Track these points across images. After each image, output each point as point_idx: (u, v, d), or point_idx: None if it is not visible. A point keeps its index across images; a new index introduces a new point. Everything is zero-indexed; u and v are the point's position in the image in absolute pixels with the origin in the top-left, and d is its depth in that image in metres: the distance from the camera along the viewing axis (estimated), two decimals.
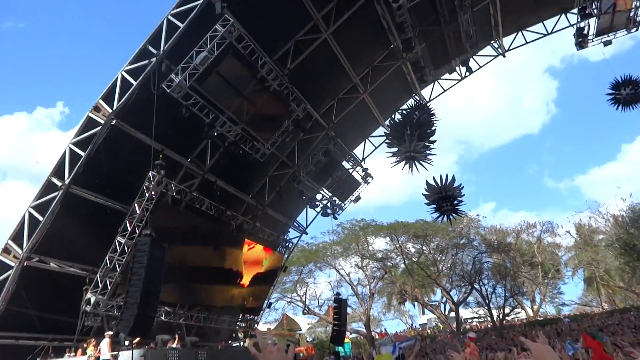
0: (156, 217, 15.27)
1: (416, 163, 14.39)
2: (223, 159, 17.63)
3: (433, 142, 15.17)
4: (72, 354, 13.94)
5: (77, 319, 14.83)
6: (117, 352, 13.02)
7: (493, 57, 22.26)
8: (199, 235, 18.20)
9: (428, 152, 14.68)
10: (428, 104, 20.40)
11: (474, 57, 20.94)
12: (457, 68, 20.70)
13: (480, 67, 22.25)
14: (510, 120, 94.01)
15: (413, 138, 14.39)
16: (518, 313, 39.35)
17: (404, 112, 15.85)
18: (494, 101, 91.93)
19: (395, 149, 14.76)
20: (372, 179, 23.99)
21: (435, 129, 15.45)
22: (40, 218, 14.17)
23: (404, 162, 14.44)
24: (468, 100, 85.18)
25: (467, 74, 21.69)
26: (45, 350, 14.80)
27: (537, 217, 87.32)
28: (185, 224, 17.41)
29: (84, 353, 13.62)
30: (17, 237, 14.37)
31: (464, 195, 14.33)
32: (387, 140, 16.90)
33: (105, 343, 13.34)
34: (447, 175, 14.27)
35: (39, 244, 14.38)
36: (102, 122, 14.07)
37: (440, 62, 19.24)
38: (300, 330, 40.97)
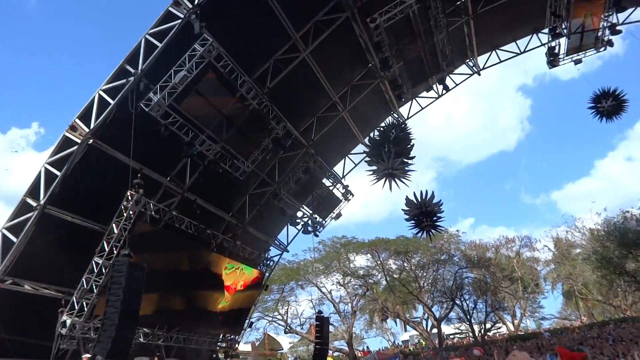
0: (134, 237, 15.09)
1: (395, 180, 14.61)
2: (203, 177, 17.55)
3: (411, 158, 15.43)
4: None
5: (52, 342, 14.47)
6: None
7: (469, 76, 22.78)
8: (178, 254, 18.02)
9: (407, 168, 14.92)
10: (405, 122, 20.72)
11: (450, 75, 21.39)
12: (434, 86, 21.10)
13: (457, 84, 22.75)
14: (487, 137, 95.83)
15: (391, 155, 14.61)
16: (499, 328, 39.57)
17: (382, 129, 16.09)
18: (471, 118, 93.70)
19: (374, 167, 14.95)
20: (353, 196, 24.11)
21: (412, 146, 15.72)
22: (14, 239, 13.86)
23: (384, 179, 14.63)
24: (445, 117, 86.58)
25: (444, 91, 22.13)
26: None
27: (515, 232, 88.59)
28: (164, 244, 17.22)
29: None
30: None
31: (443, 211, 14.57)
32: (366, 158, 17.10)
33: None
34: (426, 191, 14.54)
35: (13, 266, 14.04)
36: (79, 141, 13.92)
37: (418, 80, 19.58)
38: (282, 349, 40.53)
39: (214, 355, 22.80)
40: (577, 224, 36.59)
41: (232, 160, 16.82)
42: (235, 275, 21.38)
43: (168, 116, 14.02)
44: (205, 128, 15.44)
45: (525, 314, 39.44)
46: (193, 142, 15.09)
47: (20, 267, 14.27)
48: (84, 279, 14.85)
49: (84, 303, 14.82)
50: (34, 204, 13.99)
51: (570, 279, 38.05)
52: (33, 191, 14.16)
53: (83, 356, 13.52)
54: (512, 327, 39.13)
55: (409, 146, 15.62)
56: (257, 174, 19.99)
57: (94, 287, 14.89)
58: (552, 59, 19.76)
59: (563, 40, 19.30)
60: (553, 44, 19.58)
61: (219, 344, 23.09)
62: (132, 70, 13.83)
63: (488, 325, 36.96)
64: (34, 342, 14.81)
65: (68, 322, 14.58)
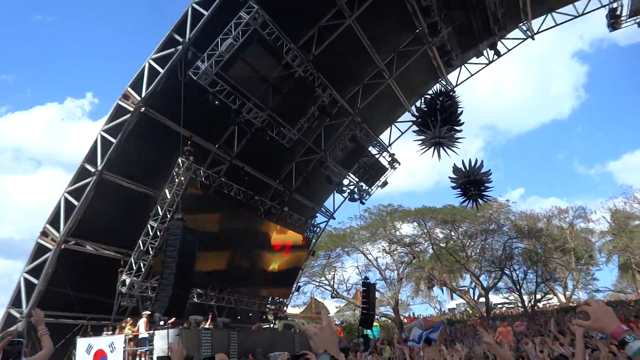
0: (186, 202, 15.75)
1: (444, 148, 14.30)
2: (250, 145, 17.95)
3: (460, 127, 15.05)
4: (110, 332, 14.59)
5: (113, 299, 15.52)
6: (153, 331, 13.59)
7: (521, 40, 21.76)
8: (229, 219, 18.65)
9: (455, 137, 14.58)
10: (453, 89, 20.15)
11: (501, 40, 20.54)
12: (485, 52, 20.36)
13: (509, 50, 21.81)
14: (538, 105, 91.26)
15: (439, 124, 14.30)
16: (550, 299, 38.78)
17: (430, 97, 15.72)
18: (522, 86, 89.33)
19: (422, 135, 14.70)
20: (399, 164, 23.96)
21: (461, 113, 15.33)
22: (76, 203, 14.79)
23: (431, 148, 14.36)
24: (495, 85, 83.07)
25: (495, 57, 21.33)
26: (84, 329, 15.52)
27: (568, 203, 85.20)
28: (215, 209, 17.88)
29: (121, 331, 14.23)
30: (54, 221, 15.06)
31: (491, 180, 14.21)
32: (413, 127, 16.85)
33: (142, 322, 13.97)
34: (476, 160, 14.18)
35: (75, 228, 15.04)
36: (132, 109, 14.52)
37: (467, 46, 18.91)
38: (329, 313, 41.48)
39: (264, 317, 23.69)
40: (636, 195, 34.84)
41: (279, 128, 17.04)
42: (284, 240, 21.96)
43: (215, 84, 14.32)
44: (251, 96, 15.68)
45: (577, 285, 38.39)
46: (240, 110, 15.39)
47: (82, 229, 15.26)
48: (140, 241, 15.74)
49: (142, 264, 15.74)
50: (92, 169, 14.81)
51: (627, 252, 36.51)
52: (91, 157, 14.98)
53: (143, 313, 14.44)
54: (563, 299, 38.27)
55: (457, 114, 15.24)
56: (303, 141, 20.17)
57: (150, 249, 15.75)
58: (614, 21, 18.57)
59: (626, 1, 18.13)
60: (615, 5, 18.41)
61: (268, 305, 23.96)
62: (180, 39, 14.17)
63: (538, 296, 36.29)
64: (96, 299, 15.92)
65: (127, 281, 15.55)
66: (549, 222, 36.27)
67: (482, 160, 13.97)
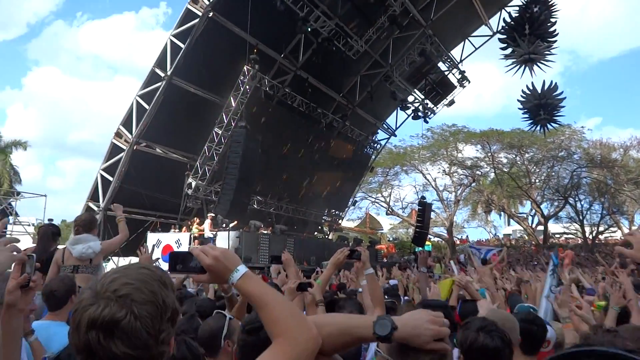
0: (251, 111, 15.90)
1: (537, 64, 13.14)
2: (316, 55, 17.50)
3: (554, 41, 13.69)
4: (177, 230, 15.57)
5: (179, 200, 16.39)
6: (216, 232, 14.37)
7: None
8: (290, 130, 18.77)
9: (548, 52, 13.33)
10: None
11: None
12: None
13: None
14: (628, 29, 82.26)
15: (531, 37, 13.05)
16: (614, 232, 37.48)
17: (522, 6, 14.23)
18: (611, 7, 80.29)
19: (510, 50, 13.55)
20: (469, 82, 22.84)
21: (555, 22, 13.86)
22: (146, 106, 15.26)
23: (521, 64, 13.25)
24: (581, 8, 75.10)
25: None
26: (154, 225, 16.64)
27: None
28: (277, 120, 17.97)
29: (188, 230, 15.14)
30: (126, 123, 15.70)
31: (564, 106, 13.18)
32: (490, 42, 15.68)
33: (207, 223, 14.76)
34: (551, 82, 13.11)
35: (146, 131, 15.64)
36: (200, 14, 14.35)
37: None
38: (382, 229, 42.25)
39: (320, 227, 24.47)
40: None
41: (346, 39, 16.44)
42: (343, 154, 22.03)
43: None
44: (320, 3, 15.06)
45: None
46: (307, 18, 14.87)
47: (152, 132, 15.87)
48: (205, 147, 16.25)
49: (206, 168, 16.37)
50: (161, 74, 15.06)
51: None
52: (161, 62, 15.20)
53: (207, 215, 15.22)
54: None
55: (550, 27, 13.80)
56: (370, 54, 19.43)
57: (215, 155, 16.27)
58: None
59: None
60: None
61: (324, 217, 24.63)
62: None
63: (601, 228, 35.13)
64: (165, 198, 16.90)
65: (193, 184, 16.29)
66: (626, 152, 34.03)
67: (556, 83, 12.84)
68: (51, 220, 16.36)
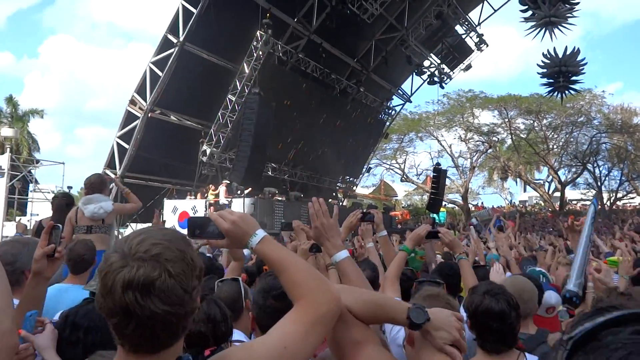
0: (264, 78, 15.74)
1: (558, 27, 12.71)
2: (329, 19, 17.14)
3: (577, 3, 13.20)
4: (192, 196, 15.73)
5: (194, 167, 16.50)
6: (231, 199, 14.50)
7: None
8: (304, 96, 18.59)
9: (570, 15, 12.87)
10: None
11: None
12: None
13: None
14: None
15: None
16: (632, 199, 37.00)
17: None
18: None
19: (530, 13, 13.09)
20: (487, 46, 22.30)
21: None
22: (160, 73, 15.20)
23: (542, 28, 12.82)
24: None
25: None
26: (170, 192, 16.83)
27: None
28: (291, 86, 17.79)
29: (203, 197, 15.29)
30: (141, 90, 15.68)
31: (584, 72, 12.78)
32: (509, 4, 15.13)
33: (222, 190, 14.89)
34: (574, 47, 12.68)
35: (160, 98, 15.62)
36: None
37: None
38: (397, 196, 42.24)
39: (334, 194, 24.52)
40: None
41: (360, 1, 16.06)
42: (357, 120, 21.84)
43: None
44: None
45: None
46: None
47: (166, 99, 15.85)
48: (219, 114, 16.21)
49: (220, 135, 16.38)
50: (174, 40, 14.93)
51: None
52: (173, 28, 15.03)
53: (222, 182, 15.33)
54: None
55: None
56: (385, 17, 18.97)
57: (229, 122, 16.24)
58: None
59: None
60: None
61: (338, 184, 24.65)
62: None
63: (619, 195, 34.70)
64: (180, 165, 17.02)
65: (208, 151, 16.35)
66: None
67: (578, 48, 12.40)
68: (70, 187, 16.73)
